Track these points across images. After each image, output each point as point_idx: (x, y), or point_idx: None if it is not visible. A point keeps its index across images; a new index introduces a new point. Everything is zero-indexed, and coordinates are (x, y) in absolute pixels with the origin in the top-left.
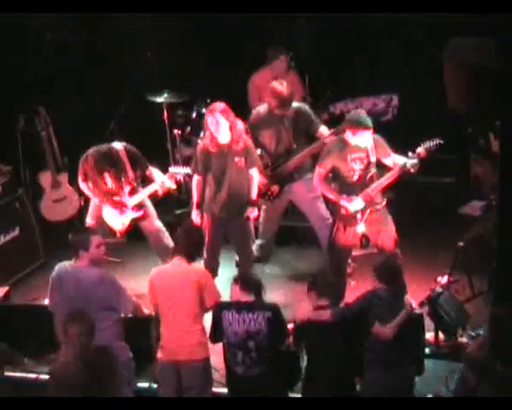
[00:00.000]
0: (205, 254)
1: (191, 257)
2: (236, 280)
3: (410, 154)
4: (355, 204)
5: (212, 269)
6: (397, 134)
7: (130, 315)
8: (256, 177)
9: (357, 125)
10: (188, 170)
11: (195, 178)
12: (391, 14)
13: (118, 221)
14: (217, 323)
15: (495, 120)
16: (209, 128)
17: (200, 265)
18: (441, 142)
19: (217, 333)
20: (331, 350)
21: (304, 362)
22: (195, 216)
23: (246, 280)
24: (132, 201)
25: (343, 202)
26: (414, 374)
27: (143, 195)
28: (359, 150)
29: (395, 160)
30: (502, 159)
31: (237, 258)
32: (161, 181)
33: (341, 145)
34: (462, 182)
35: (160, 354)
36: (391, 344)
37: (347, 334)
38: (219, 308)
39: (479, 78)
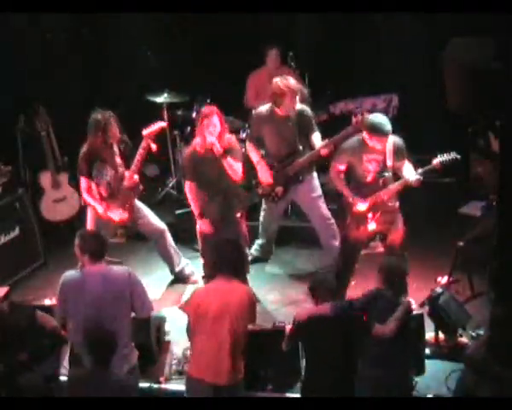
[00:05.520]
0: (203, 260)
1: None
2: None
3: (419, 170)
4: (361, 206)
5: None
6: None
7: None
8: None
9: (374, 130)
10: (161, 123)
11: (189, 186)
12: (391, 14)
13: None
14: None
15: (495, 120)
16: (203, 132)
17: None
18: (458, 157)
19: None
20: (330, 349)
21: (302, 362)
22: (204, 226)
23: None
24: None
25: (352, 200)
26: (414, 374)
27: (131, 174)
28: (376, 152)
29: (404, 170)
30: (502, 159)
31: None
32: (141, 149)
33: (358, 144)
34: (462, 182)
35: None
36: (391, 342)
37: (347, 332)
38: None
39: (478, 78)
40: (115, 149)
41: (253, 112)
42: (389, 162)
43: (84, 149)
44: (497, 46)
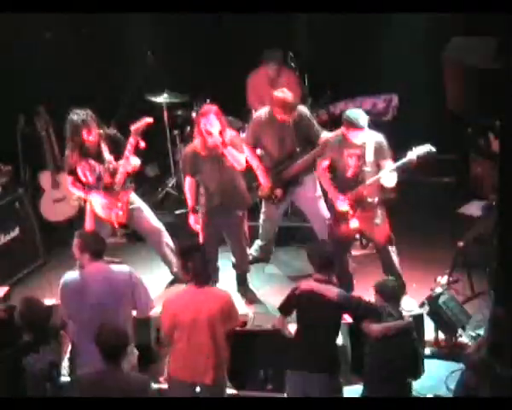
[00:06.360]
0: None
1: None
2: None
3: (393, 165)
4: (341, 204)
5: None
6: (397, 134)
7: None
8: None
9: (350, 123)
10: (147, 119)
11: (187, 181)
12: (391, 14)
13: (112, 212)
14: None
15: (495, 120)
16: (201, 131)
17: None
18: (433, 149)
19: None
20: (324, 328)
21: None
22: (193, 222)
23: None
24: (118, 182)
25: (333, 198)
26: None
27: (123, 168)
28: (356, 147)
29: (385, 167)
30: (502, 159)
31: (233, 259)
32: (129, 145)
33: (340, 139)
34: (462, 182)
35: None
36: (387, 344)
37: (339, 321)
38: None
39: (479, 78)
40: (102, 144)
41: (253, 116)
42: (369, 158)
43: (68, 149)
44: (497, 46)
